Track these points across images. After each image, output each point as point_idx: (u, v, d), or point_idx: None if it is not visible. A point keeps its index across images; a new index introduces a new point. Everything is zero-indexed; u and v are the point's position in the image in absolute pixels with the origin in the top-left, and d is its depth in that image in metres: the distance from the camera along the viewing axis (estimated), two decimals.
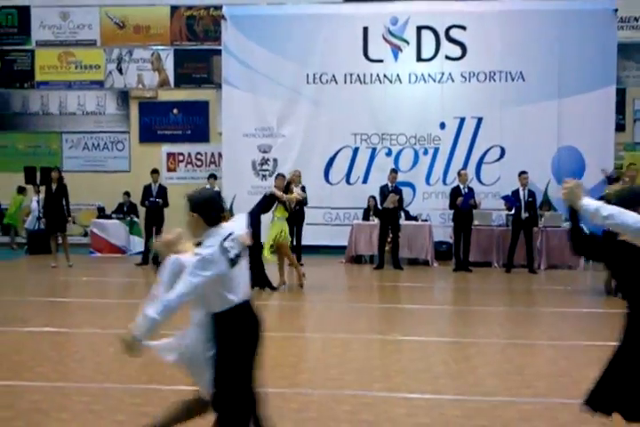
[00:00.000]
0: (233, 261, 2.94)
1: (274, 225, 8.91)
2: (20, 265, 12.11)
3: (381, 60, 13.19)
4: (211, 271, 2.83)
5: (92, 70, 14.79)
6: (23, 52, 14.90)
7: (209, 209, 2.96)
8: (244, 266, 3.07)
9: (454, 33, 12.95)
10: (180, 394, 4.42)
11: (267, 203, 8.74)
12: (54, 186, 11.11)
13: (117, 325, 6.58)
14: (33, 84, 14.87)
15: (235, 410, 3.01)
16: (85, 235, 13.98)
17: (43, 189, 12.07)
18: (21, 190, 13.90)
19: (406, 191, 12.10)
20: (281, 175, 9.61)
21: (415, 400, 4.38)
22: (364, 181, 13.11)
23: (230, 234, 2.97)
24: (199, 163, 14.63)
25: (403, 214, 11.79)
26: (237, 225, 3.13)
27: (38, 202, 12.38)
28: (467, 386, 4.71)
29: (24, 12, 14.84)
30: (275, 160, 13.50)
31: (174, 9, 14.59)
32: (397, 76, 13.18)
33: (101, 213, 13.64)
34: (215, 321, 3.01)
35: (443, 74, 13.05)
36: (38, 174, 12.77)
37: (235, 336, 3.02)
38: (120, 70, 14.77)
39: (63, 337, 6.29)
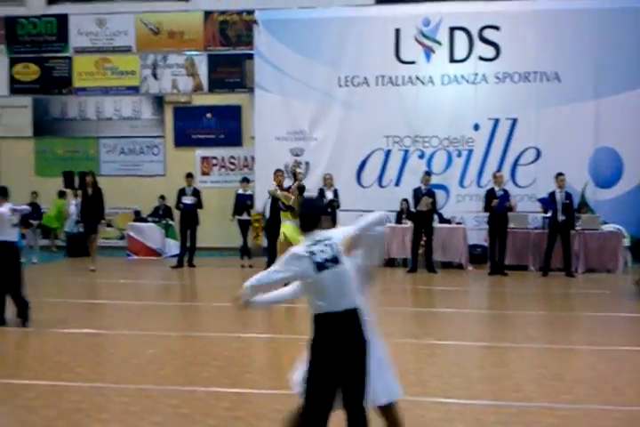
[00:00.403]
0: (320, 266, 3.01)
1: (283, 226, 8.66)
2: (60, 267, 12.40)
3: (413, 62, 13.12)
4: (293, 267, 3.06)
5: (127, 76, 15.08)
6: (61, 59, 15.28)
7: (302, 218, 3.25)
8: (342, 275, 3.07)
9: (488, 33, 12.80)
10: (215, 396, 4.50)
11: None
12: (90, 190, 11.30)
13: (153, 327, 6.74)
14: (71, 90, 15.23)
15: (308, 411, 3.07)
16: (122, 238, 14.26)
17: (80, 193, 12.38)
18: (62, 195, 14.25)
19: (440, 194, 12.01)
20: (279, 171, 9.56)
21: (451, 405, 4.34)
22: (397, 184, 13.04)
23: (325, 239, 3.12)
24: (232, 166, 14.77)
25: (436, 217, 11.70)
26: (339, 232, 3.22)
27: (76, 206, 12.68)
28: (504, 391, 4.65)
29: (62, 20, 15.22)
30: (307, 163, 13.54)
31: (207, 14, 14.79)
32: (430, 77, 13.09)
33: (138, 216, 13.90)
34: (313, 322, 3.12)
35: (476, 75, 12.92)
36: (76, 179, 13.10)
37: (320, 343, 3.07)
38: (155, 76, 15.03)
39: (101, 339, 6.42)
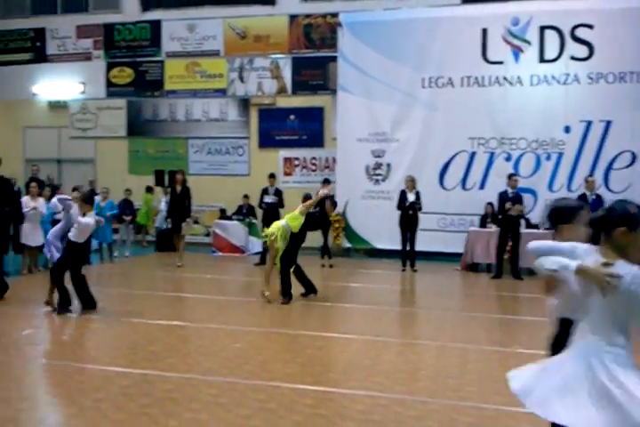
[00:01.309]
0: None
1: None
2: (149, 261, 12.94)
3: (501, 62, 12.78)
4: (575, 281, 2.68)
5: (215, 79, 15.54)
6: (154, 63, 15.95)
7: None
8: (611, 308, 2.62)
9: (580, 32, 12.27)
10: (299, 393, 4.55)
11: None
12: (179, 188, 11.56)
13: (237, 321, 6.91)
14: (162, 92, 15.87)
15: None
16: (208, 235, 14.72)
17: (169, 190, 12.85)
18: (149, 190, 14.88)
19: (527, 198, 11.61)
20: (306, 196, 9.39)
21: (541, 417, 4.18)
22: (481, 187, 12.74)
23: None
24: (314, 167, 14.93)
25: (523, 222, 11.32)
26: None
27: (166, 203, 13.22)
28: None
29: (156, 25, 15.89)
30: (388, 165, 13.48)
31: (293, 18, 15.01)
32: (518, 77, 12.71)
33: (223, 214, 14.31)
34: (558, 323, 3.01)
35: (567, 75, 12.41)
36: (166, 177, 13.65)
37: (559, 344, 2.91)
38: (241, 79, 15.40)
39: (189, 331, 6.64)
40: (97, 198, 12.12)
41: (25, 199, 9.75)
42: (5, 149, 15.80)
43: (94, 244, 12.07)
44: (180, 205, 11.47)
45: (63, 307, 7.13)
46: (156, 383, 4.74)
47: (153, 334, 6.36)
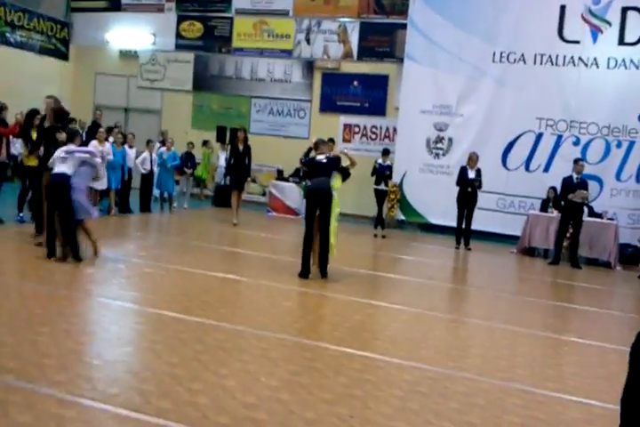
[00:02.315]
0: None
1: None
2: (206, 215, 13.14)
3: (578, 42, 12.22)
4: None
5: (282, 39, 15.42)
6: (224, 19, 15.91)
7: None
8: None
9: None
10: (347, 356, 4.60)
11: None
12: (241, 146, 11.43)
13: (288, 281, 6.98)
14: (229, 49, 15.87)
15: None
16: (264, 194, 14.87)
17: (229, 147, 12.83)
18: (205, 143, 15.03)
19: (592, 185, 11.21)
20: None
21: (594, 408, 4.10)
22: (545, 170, 12.38)
23: None
24: (374, 136, 14.76)
25: (586, 210, 10.96)
26: None
27: (226, 159, 13.33)
28: None
29: None
30: (450, 139, 13.21)
31: None
32: (595, 59, 12.15)
33: (280, 175, 14.38)
34: None
35: None
36: (228, 134, 13.73)
37: None
38: (308, 41, 15.23)
39: (242, 285, 6.76)
40: (162, 149, 12.40)
41: (93, 143, 9.98)
42: (77, 94, 16.22)
43: (155, 192, 12.39)
44: (241, 163, 11.44)
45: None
46: (209, 332, 4.86)
47: (208, 285, 6.51)
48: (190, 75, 16.13)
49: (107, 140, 10.82)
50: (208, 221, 12.37)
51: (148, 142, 12.10)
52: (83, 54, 16.97)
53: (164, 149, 12.39)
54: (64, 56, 16.78)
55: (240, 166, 11.42)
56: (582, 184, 10.47)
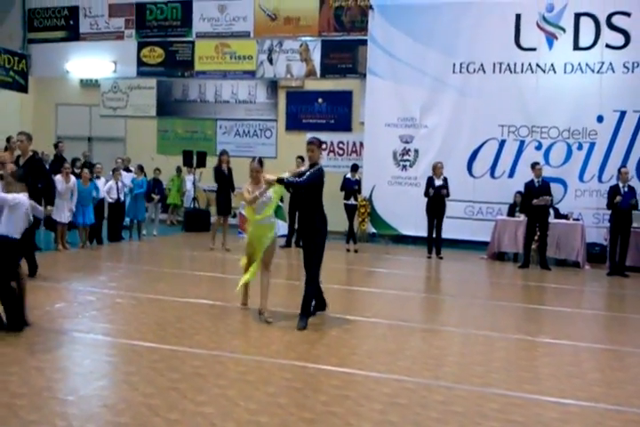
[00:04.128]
0: None
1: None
2: (177, 241, 13.08)
3: (534, 49, 12.59)
4: None
5: (244, 61, 15.55)
6: (185, 44, 15.99)
7: None
8: None
9: (617, 20, 12.03)
10: (325, 374, 4.60)
11: None
12: (226, 169, 11.14)
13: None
14: (192, 73, 15.93)
15: None
16: (234, 216, 14.80)
17: (199, 171, 12.69)
18: (179, 171, 14.96)
19: (556, 187, 11.50)
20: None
21: (569, 406, 4.17)
22: (510, 175, 12.63)
23: None
24: (341, 151, 14.90)
25: (552, 212, 11.20)
26: None
27: (193, 183, 13.28)
28: (626, 396, 4.41)
29: (187, 6, 15.91)
30: (416, 151, 13.40)
31: (323, 0, 14.88)
32: (552, 65, 12.51)
33: None
34: None
35: (602, 64, 12.18)
36: (195, 158, 13.70)
37: None
38: (270, 61, 15.38)
39: (217, 309, 6.71)
40: (132, 175, 12.30)
41: (57, 178, 9.85)
42: (39, 126, 16.06)
43: (125, 220, 12.26)
44: (229, 187, 11.16)
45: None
46: (185, 359, 4.82)
47: (181, 311, 6.46)
48: (154, 100, 16.14)
49: (73, 173, 10.68)
50: (179, 246, 12.28)
51: (114, 171, 12.01)
52: (43, 85, 16.87)
53: (134, 175, 12.31)
54: (23, 89, 16.65)
55: (227, 190, 11.21)
56: (544, 187, 10.69)
